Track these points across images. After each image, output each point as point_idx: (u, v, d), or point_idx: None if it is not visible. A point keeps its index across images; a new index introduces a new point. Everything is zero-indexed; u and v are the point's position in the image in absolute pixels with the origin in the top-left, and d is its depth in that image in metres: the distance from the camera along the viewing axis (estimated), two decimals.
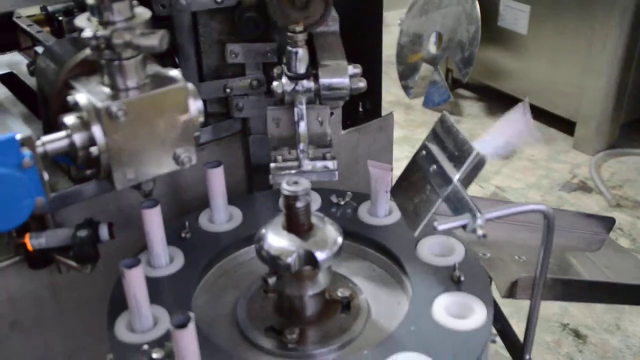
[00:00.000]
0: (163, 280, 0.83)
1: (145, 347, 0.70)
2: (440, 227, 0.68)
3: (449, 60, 3.49)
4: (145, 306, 0.73)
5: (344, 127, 1.13)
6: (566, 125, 3.24)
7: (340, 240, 0.75)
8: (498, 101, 3.56)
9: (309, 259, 0.72)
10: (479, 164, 0.74)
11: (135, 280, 0.71)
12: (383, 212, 0.92)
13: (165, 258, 0.85)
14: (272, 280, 0.74)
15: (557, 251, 1.01)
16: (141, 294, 0.72)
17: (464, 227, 0.68)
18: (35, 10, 1.06)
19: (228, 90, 0.95)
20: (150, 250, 0.83)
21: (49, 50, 0.86)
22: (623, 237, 2.62)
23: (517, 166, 3.09)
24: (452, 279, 0.79)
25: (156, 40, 0.64)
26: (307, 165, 0.85)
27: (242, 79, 0.94)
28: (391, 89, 3.76)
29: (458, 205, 0.69)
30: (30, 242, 0.79)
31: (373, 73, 1.13)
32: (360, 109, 1.16)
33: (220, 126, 0.99)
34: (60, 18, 1.01)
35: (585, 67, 2.98)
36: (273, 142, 0.88)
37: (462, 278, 0.79)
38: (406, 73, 3.69)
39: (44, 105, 0.83)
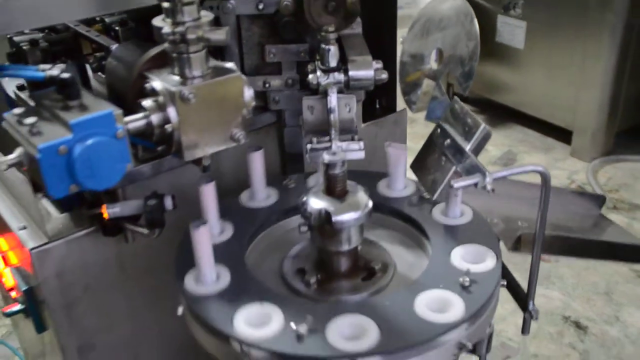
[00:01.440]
0: (218, 246, 0.96)
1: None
2: (456, 185, 0.82)
3: (449, 75, 3.65)
4: (210, 261, 0.87)
5: (364, 121, 1.28)
6: (563, 135, 3.38)
7: (367, 206, 0.89)
8: (498, 113, 3.71)
9: (327, 218, 0.86)
10: (487, 136, 0.88)
11: (203, 238, 0.85)
12: (401, 185, 1.06)
13: (218, 228, 0.99)
14: (304, 229, 0.88)
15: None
16: (207, 250, 0.86)
17: (475, 185, 0.82)
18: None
19: (267, 85, 1.11)
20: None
21: (117, 52, 1.01)
22: None
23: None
24: (464, 235, 0.94)
25: (223, 34, 0.80)
26: (338, 145, 1.00)
27: (279, 76, 1.10)
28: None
29: (470, 169, 0.84)
30: (107, 211, 0.93)
31: (388, 73, 1.28)
32: (377, 106, 1.31)
33: (258, 118, 1.14)
34: (117, 28, 1.16)
35: (579, 80, 3.13)
36: (307, 127, 1.03)
37: (473, 234, 0.93)
38: (408, 89, 3.85)
39: (113, 97, 0.99)
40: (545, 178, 0.84)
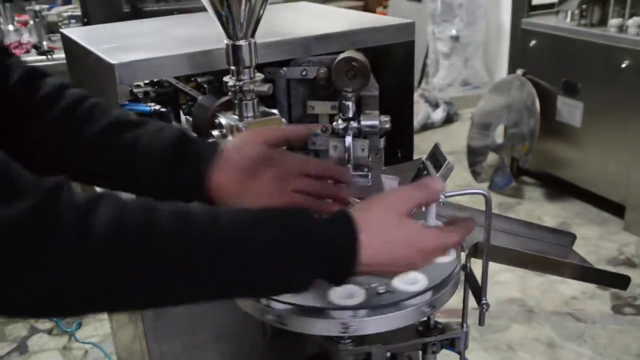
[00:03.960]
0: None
1: None
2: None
3: (513, 149, 3.94)
4: None
5: (386, 165, 1.64)
6: (617, 209, 3.57)
7: None
8: (556, 187, 3.93)
9: None
10: (450, 168, 1.22)
11: None
12: None
13: None
14: None
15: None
16: None
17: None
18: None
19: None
20: None
21: (201, 101, 1.44)
22: None
23: None
24: None
25: (266, 87, 1.21)
26: (352, 174, 1.37)
27: (316, 124, 1.49)
28: (462, 174, 4.23)
29: None
30: None
31: (406, 130, 1.65)
32: (399, 155, 1.67)
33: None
34: (204, 85, 1.60)
35: (633, 157, 3.34)
36: (330, 161, 1.41)
37: None
38: (475, 160, 4.17)
39: (196, 131, 1.41)
40: (487, 200, 1.16)
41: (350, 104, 1.37)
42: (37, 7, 3.73)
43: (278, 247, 0.74)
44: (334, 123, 1.39)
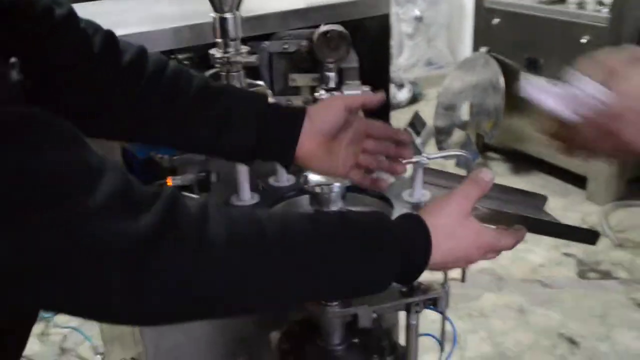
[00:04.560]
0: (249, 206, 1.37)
1: None
2: (404, 160, 1.23)
3: (478, 126, 4.03)
4: None
5: None
6: (580, 181, 3.69)
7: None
8: (521, 161, 4.04)
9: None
10: (430, 131, 1.28)
11: None
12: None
13: (249, 196, 1.41)
14: None
15: None
16: None
17: (418, 162, 1.22)
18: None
19: (288, 102, 1.54)
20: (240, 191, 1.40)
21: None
22: (623, 271, 3.04)
23: None
24: (418, 209, 1.33)
25: (254, 58, 1.25)
26: None
27: (299, 96, 1.53)
28: (430, 151, 4.30)
29: (417, 152, 1.24)
30: (172, 181, 1.36)
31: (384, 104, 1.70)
32: None
33: None
34: (185, 62, 1.62)
35: None
36: None
37: None
38: (441, 138, 4.26)
39: None
40: (467, 160, 1.23)
41: (332, 74, 1.42)
42: None
43: (365, 249, 0.80)
44: (317, 94, 1.43)
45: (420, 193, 1.38)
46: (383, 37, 1.63)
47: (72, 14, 0.97)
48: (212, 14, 1.26)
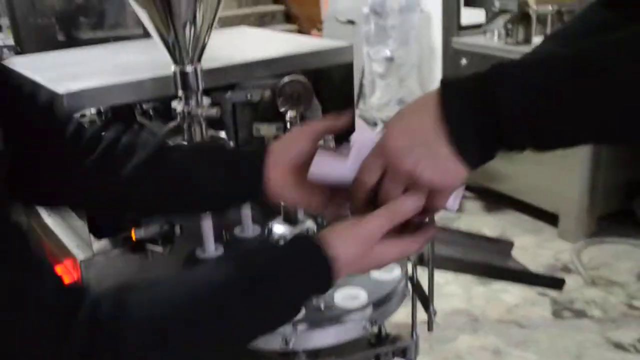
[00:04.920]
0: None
1: None
2: None
3: None
4: None
5: None
6: (551, 218, 3.72)
7: (313, 230, 1.29)
8: (493, 199, 4.06)
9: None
10: None
11: None
12: None
13: (213, 248, 1.39)
14: None
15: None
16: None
17: None
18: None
19: None
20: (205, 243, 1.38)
21: (150, 128, 1.46)
22: (597, 309, 3.05)
23: None
24: None
25: (214, 111, 1.24)
26: None
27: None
28: None
29: None
30: (136, 233, 1.34)
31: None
32: None
33: None
34: (151, 112, 1.62)
35: (562, 169, 3.49)
36: None
37: None
38: None
39: None
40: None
41: (295, 125, 1.41)
42: None
43: (266, 298, 0.82)
44: None
45: None
46: (347, 84, 1.64)
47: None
48: (173, 67, 1.26)
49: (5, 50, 3.54)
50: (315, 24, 6.57)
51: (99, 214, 1.10)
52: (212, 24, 1.25)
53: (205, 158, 1.01)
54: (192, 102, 1.27)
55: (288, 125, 1.42)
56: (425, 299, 1.31)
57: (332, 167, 0.91)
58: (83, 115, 1.58)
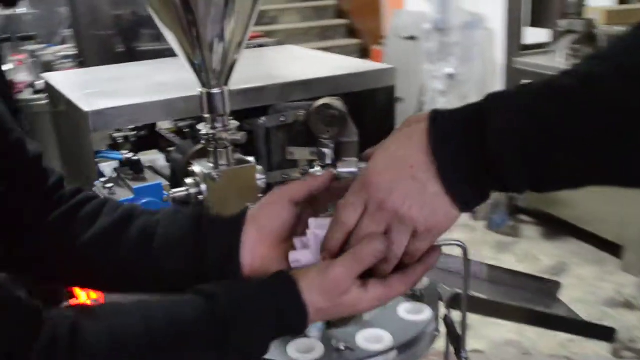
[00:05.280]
0: None
1: None
2: None
3: None
4: None
5: None
6: (614, 249, 3.53)
7: None
8: (553, 225, 3.89)
9: None
10: None
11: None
12: None
13: None
14: None
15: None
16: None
17: None
18: (169, 124, 1.65)
19: (285, 177, 1.49)
20: None
21: (179, 147, 1.43)
22: None
23: (565, 283, 3.38)
24: (414, 295, 1.23)
25: (239, 136, 1.19)
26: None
27: (295, 170, 1.47)
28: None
29: None
30: None
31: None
32: None
33: None
34: (185, 130, 1.59)
35: (627, 195, 3.30)
36: None
37: (421, 293, 1.23)
38: None
39: (173, 176, 1.39)
40: (464, 251, 1.14)
41: (327, 151, 1.35)
42: (33, 47, 3.76)
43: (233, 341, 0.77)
44: (311, 170, 1.37)
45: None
46: (388, 107, 1.57)
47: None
48: (199, 89, 1.22)
49: (67, 60, 3.63)
50: (377, 39, 6.51)
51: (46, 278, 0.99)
52: (241, 43, 1.21)
53: (174, 234, 0.90)
54: (219, 125, 1.23)
55: (322, 150, 1.36)
56: (457, 341, 1.23)
57: (306, 258, 0.85)
58: (119, 130, 1.57)
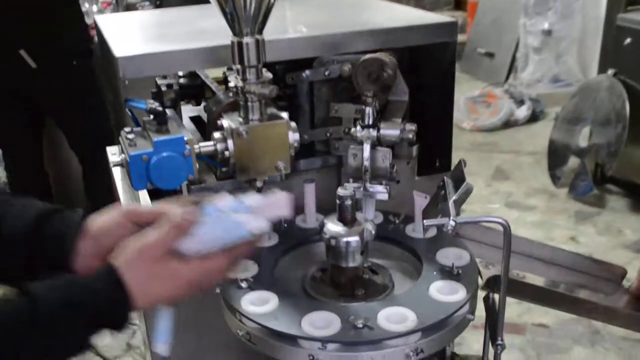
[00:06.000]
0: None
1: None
2: (426, 223, 1.04)
3: (597, 154, 3.65)
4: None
5: (420, 174, 1.51)
6: None
7: (372, 232, 1.13)
8: None
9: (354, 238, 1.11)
10: (469, 190, 1.08)
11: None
12: (420, 228, 1.27)
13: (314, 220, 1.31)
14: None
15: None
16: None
17: (443, 225, 1.03)
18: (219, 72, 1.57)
19: (328, 134, 1.39)
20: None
21: (215, 98, 1.36)
22: None
23: None
24: (451, 272, 1.13)
25: (267, 90, 1.11)
26: (368, 186, 1.26)
27: (339, 127, 1.38)
28: (540, 177, 3.98)
29: (444, 213, 1.05)
30: None
31: (444, 138, 1.51)
32: (437, 164, 1.53)
33: (321, 159, 1.43)
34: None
35: None
36: (348, 170, 1.29)
37: (459, 272, 1.13)
38: (555, 163, 3.90)
39: (208, 129, 1.33)
40: (505, 229, 1.02)
41: (369, 109, 1.25)
42: None
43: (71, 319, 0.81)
44: (352, 129, 1.27)
45: (453, 254, 1.18)
46: (448, 65, 1.44)
47: None
48: (231, 37, 1.14)
49: (146, 3, 3.63)
50: None
51: None
52: None
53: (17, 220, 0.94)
54: (251, 77, 1.15)
55: (365, 109, 1.26)
56: (493, 327, 1.12)
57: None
58: (164, 77, 1.52)
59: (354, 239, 1.11)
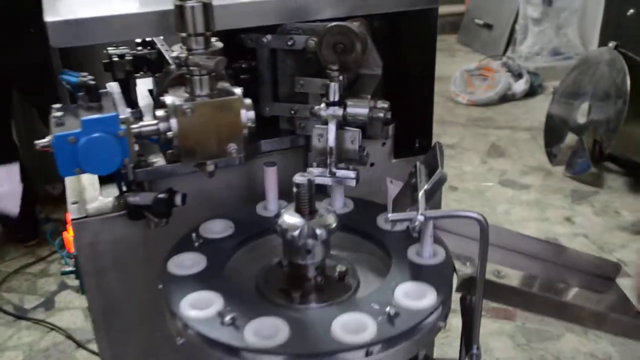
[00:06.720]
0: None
1: None
2: (391, 217, 0.90)
3: (595, 131, 3.50)
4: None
5: (398, 157, 1.37)
6: None
7: (333, 225, 1.00)
8: None
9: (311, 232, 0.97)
10: (442, 179, 0.94)
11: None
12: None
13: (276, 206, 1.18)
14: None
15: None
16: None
17: (410, 220, 0.89)
18: None
19: (293, 111, 1.25)
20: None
21: (165, 70, 1.21)
22: None
23: None
24: (420, 273, 1.00)
25: (212, 63, 0.96)
26: (334, 172, 1.12)
27: (306, 105, 1.23)
28: (536, 155, 3.83)
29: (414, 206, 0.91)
30: (128, 198, 1.12)
31: (425, 117, 1.37)
32: (417, 145, 1.39)
33: (286, 139, 1.28)
34: None
35: None
36: (314, 152, 1.15)
37: (430, 274, 0.99)
38: (552, 140, 3.76)
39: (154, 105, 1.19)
40: (482, 226, 0.88)
41: (334, 85, 1.10)
42: None
43: None
44: (316, 107, 1.13)
45: (429, 251, 1.05)
46: (428, 35, 1.29)
47: None
48: (174, 0, 0.99)
49: None
50: None
51: None
52: None
53: None
54: (197, 47, 1.00)
55: (330, 84, 1.11)
56: (468, 333, 0.99)
57: None
58: (116, 47, 1.36)
59: (309, 232, 0.98)
